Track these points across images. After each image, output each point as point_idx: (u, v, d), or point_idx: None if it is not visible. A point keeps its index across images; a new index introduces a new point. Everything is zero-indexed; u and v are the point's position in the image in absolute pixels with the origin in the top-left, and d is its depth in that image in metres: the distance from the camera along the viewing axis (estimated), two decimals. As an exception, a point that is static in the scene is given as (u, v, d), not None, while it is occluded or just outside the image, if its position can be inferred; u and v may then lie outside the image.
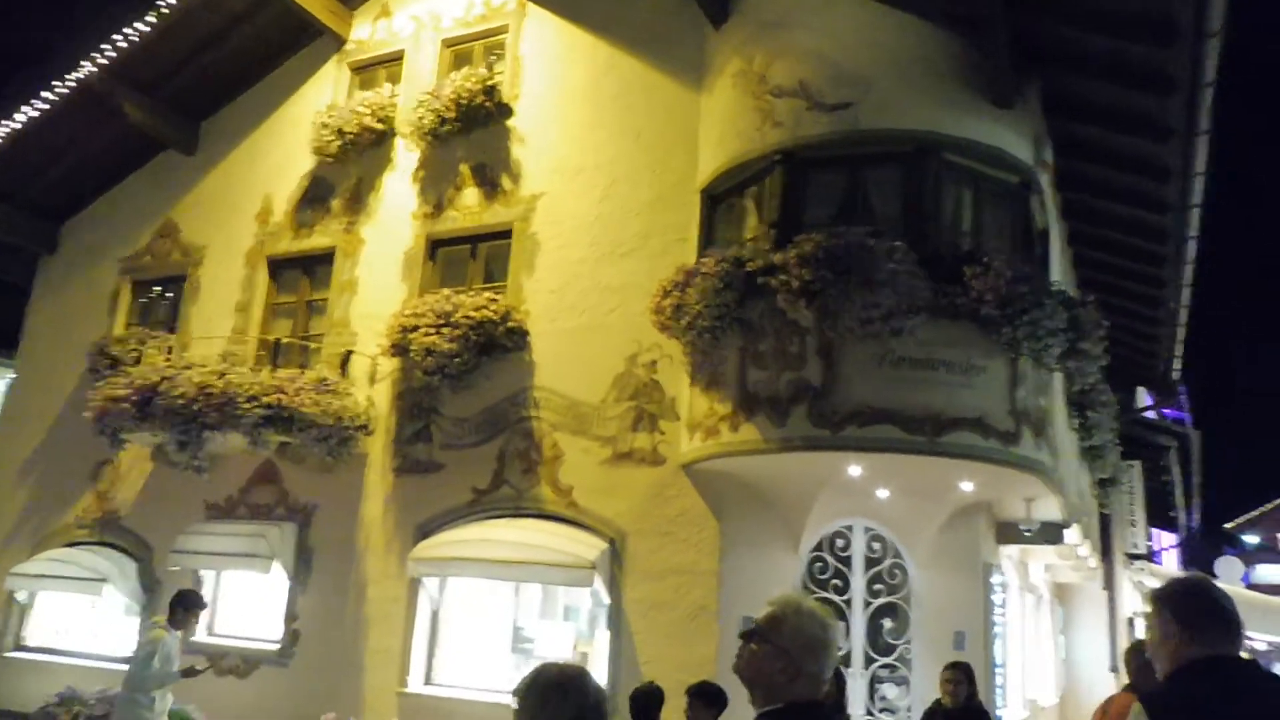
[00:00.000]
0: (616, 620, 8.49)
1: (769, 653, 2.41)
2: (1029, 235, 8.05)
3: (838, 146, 7.63)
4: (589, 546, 8.50)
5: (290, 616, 9.73)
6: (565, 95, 9.78)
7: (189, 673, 6.90)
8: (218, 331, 10.89)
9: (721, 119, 8.40)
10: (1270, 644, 27.72)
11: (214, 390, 9.18)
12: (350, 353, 9.90)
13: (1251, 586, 38.63)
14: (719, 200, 8.50)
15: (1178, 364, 12.93)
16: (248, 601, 10.31)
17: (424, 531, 9.21)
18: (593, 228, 9.19)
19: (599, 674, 8.55)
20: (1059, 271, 9.56)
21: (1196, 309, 11.05)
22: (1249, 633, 18.38)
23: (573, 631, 9.69)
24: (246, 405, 8.98)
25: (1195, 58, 6.85)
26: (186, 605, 7.12)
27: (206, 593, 9.40)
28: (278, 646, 9.71)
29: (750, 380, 7.53)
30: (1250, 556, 59.29)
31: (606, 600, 8.60)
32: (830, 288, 6.96)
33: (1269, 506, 70.88)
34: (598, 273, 9.06)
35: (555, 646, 9.51)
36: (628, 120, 9.29)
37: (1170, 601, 2.55)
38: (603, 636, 8.74)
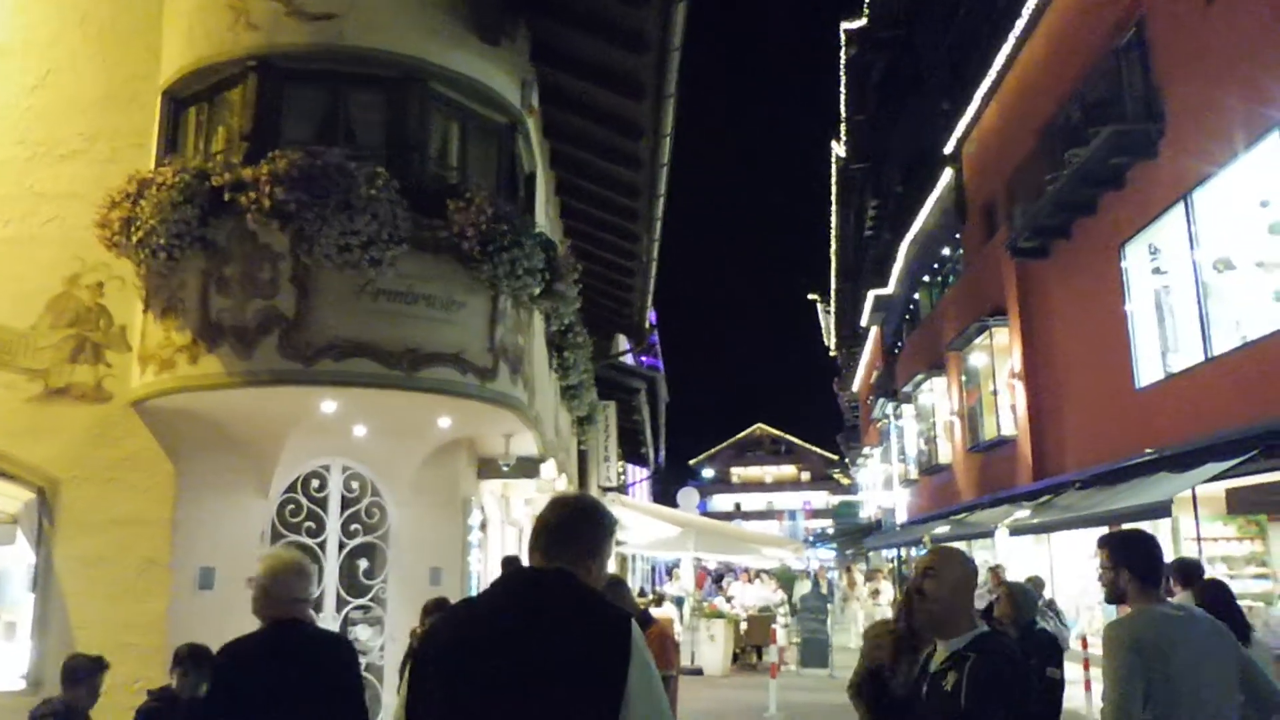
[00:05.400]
0: (45, 580, 7.33)
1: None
2: (514, 176, 8.19)
3: (319, 60, 7.10)
4: (9, 498, 7.24)
5: None
6: (-11, -43, 8.04)
7: None
8: None
9: (188, 12, 7.42)
10: (720, 563, 32.24)
11: None
12: None
13: (706, 513, 44.60)
14: (184, 104, 7.56)
15: (649, 313, 14.21)
16: None
17: None
18: (23, 122, 7.66)
19: (23, 641, 7.38)
20: (545, 217, 9.92)
21: (671, 262, 12.23)
22: (704, 554, 20.97)
23: (-10, 597, 8.28)
24: None
25: (665, 21, 7.36)
26: None
27: None
28: None
29: (214, 308, 6.82)
30: (707, 489, 68.89)
31: (33, 559, 7.40)
32: (306, 211, 6.49)
33: (722, 445, 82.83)
34: (29, 176, 7.60)
35: (-35, 616, 8.05)
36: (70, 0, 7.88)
37: None
38: (28, 600, 7.52)
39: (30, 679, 7.15)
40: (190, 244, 6.77)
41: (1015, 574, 13.78)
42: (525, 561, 2.65)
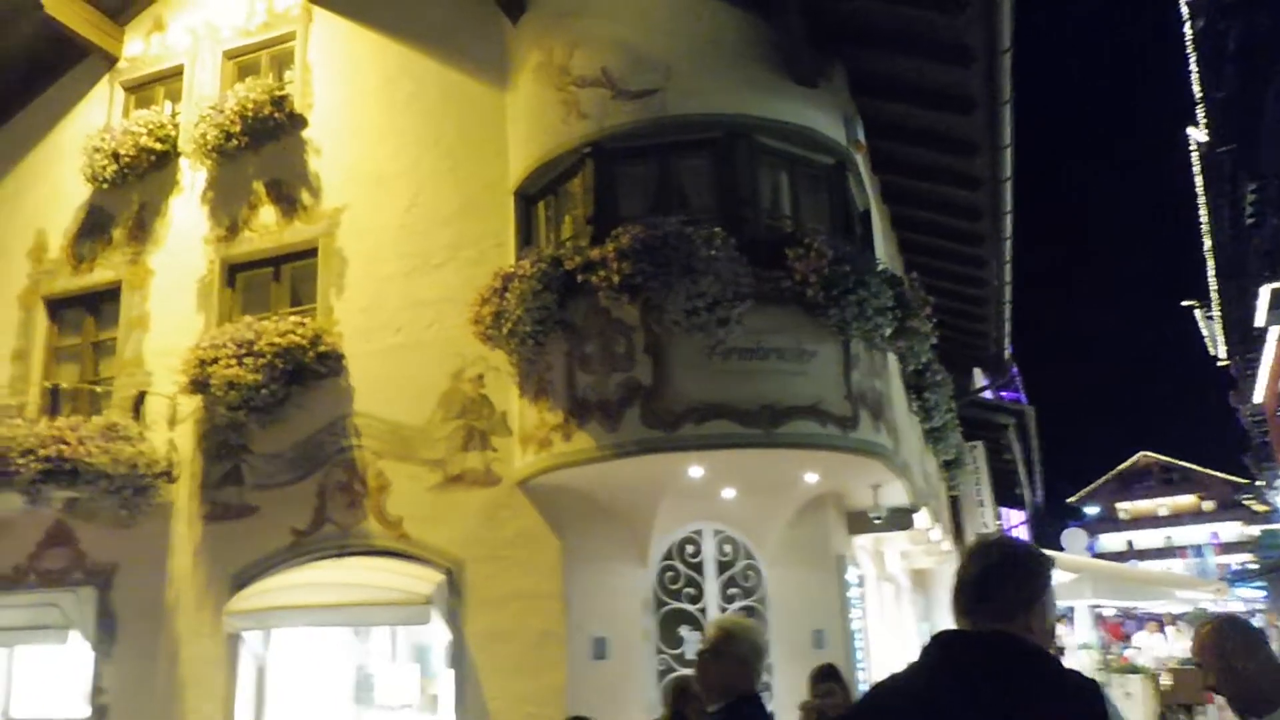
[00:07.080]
0: (459, 655, 7.89)
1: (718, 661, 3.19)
2: (849, 216, 7.93)
3: (647, 135, 7.32)
4: (423, 580, 7.87)
5: (95, 690, 8.73)
6: (360, 102, 9.17)
7: None
8: (-6, 385, 9.78)
9: (527, 115, 7.99)
10: (1118, 609, 29.08)
11: (-22, 448, 8.16)
12: (144, 393, 8.99)
13: (1095, 555, 40.68)
14: (533, 201, 8.09)
15: (1007, 342, 13.19)
16: (46, 677, 9.25)
17: (240, 582, 8.39)
18: (401, 240, 8.59)
19: (447, 714, 7.95)
20: (885, 255, 9.53)
21: (1022, 287, 11.29)
22: (1098, 600, 18.98)
23: (417, 673, 9.04)
24: (21, 460, 7.98)
25: (989, 23, 6.84)
26: None
27: (-1, 671, 8.44)
28: (83, 725, 8.69)
29: (579, 385, 7.12)
30: (1093, 528, 62.98)
31: (449, 636, 8.00)
32: (651, 280, 6.64)
33: (1104, 479, 75.47)
34: (411, 287, 8.47)
35: (399, 691, 8.83)
36: (429, 124, 8.76)
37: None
38: (448, 675, 8.13)
39: (455, 748, 7.67)
40: (552, 328, 7.15)
41: None
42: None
